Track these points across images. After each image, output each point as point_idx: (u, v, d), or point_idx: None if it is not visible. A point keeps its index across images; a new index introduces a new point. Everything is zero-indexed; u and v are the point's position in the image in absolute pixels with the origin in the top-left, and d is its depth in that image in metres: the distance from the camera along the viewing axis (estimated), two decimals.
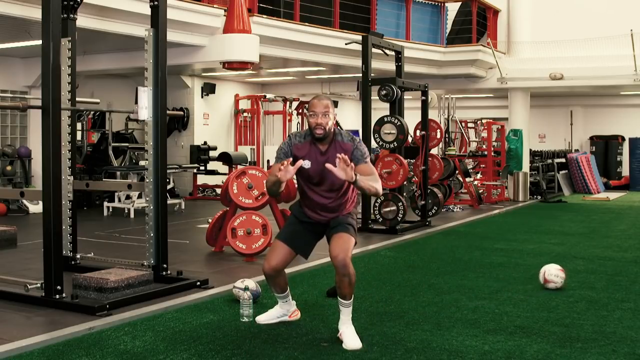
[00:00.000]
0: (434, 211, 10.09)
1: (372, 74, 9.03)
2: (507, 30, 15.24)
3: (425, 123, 9.94)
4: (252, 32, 10.27)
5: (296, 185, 4.15)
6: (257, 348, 3.82)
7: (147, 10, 5.40)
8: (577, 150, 18.32)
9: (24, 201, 10.50)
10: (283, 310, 4.37)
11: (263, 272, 4.10)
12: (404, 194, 9.99)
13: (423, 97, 9.95)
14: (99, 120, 13.30)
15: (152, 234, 5.32)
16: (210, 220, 7.33)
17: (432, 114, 11.72)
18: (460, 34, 14.72)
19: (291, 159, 3.82)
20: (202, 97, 14.21)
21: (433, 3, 14.07)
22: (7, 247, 5.33)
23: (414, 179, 10.53)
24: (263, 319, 4.33)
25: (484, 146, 13.93)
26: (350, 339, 3.90)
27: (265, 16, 10.79)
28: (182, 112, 13.77)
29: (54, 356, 3.66)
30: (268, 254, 4.10)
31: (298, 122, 15.30)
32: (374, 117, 9.01)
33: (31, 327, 4.23)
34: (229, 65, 10.61)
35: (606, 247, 7.72)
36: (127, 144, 12.78)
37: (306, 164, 3.94)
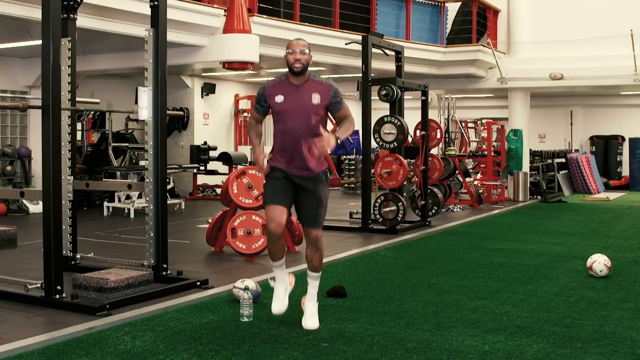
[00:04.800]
0: (434, 211, 10.09)
1: (372, 74, 9.03)
2: (507, 30, 15.25)
3: (425, 123, 9.94)
4: (252, 32, 10.27)
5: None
6: (257, 348, 3.82)
7: (147, 10, 5.40)
8: (577, 150, 18.32)
9: (24, 201, 10.50)
10: (284, 285, 4.31)
11: (270, 233, 4.11)
12: (404, 194, 9.99)
13: (423, 97, 9.95)
14: (99, 120, 13.30)
15: (152, 234, 5.32)
16: (210, 220, 7.33)
17: (432, 114, 11.71)
18: (460, 34, 14.73)
19: (268, 166, 4.21)
20: (202, 97, 14.22)
21: (433, 3, 14.07)
22: (7, 247, 5.33)
23: (414, 179, 10.53)
24: (278, 308, 4.24)
25: (484, 146, 13.92)
26: (310, 317, 4.23)
27: (265, 16, 10.80)
28: (182, 112, 13.77)
29: (54, 356, 3.66)
30: (268, 217, 4.16)
31: None
32: (374, 117, 9.01)
33: (31, 327, 4.23)
34: (229, 65, 10.62)
35: (606, 247, 7.71)
36: (127, 144, 12.78)
37: (279, 98, 4.19)
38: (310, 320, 4.24)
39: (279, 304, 4.26)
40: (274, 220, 4.10)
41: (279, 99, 4.19)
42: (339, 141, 4.12)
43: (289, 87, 4.21)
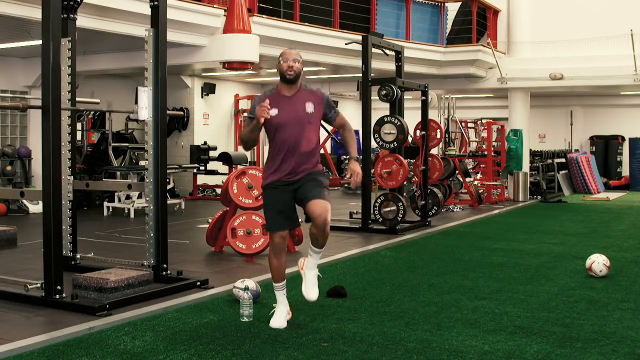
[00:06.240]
0: (434, 211, 10.09)
1: (372, 74, 9.03)
2: (507, 30, 15.25)
3: (425, 123, 9.94)
4: (252, 32, 10.27)
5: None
6: (257, 348, 3.82)
7: (147, 10, 5.40)
8: (577, 150, 18.32)
9: (24, 201, 10.50)
10: (286, 308, 4.33)
11: (273, 244, 4.24)
12: (404, 194, 9.99)
13: (423, 97, 9.95)
14: (99, 120, 13.30)
15: (152, 234, 5.32)
16: (210, 220, 7.33)
17: (432, 114, 11.71)
18: (460, 34, 14.72)
19: (268, 102, 4.11)
20: (202, 97, 14.22)
21: (433, 3, 14.07)
22: (7, 247, 5.32)
23: (414, 179, 10.53)
24: (277, 324, 4.25)
25: (484, 146, 13.93)
26: (310, 286, 4.27)
27: (265, 16, 10.79)
28: (182, 112, 13.77)
29: (54, 356, 3.66)
30: (271, 236, 4.28)
31: None
32: (374, 117, 9.01)
33: (31, 327, 4.23)
34: (229, 65, 10.61)
35: (606, 247, 7.71)
36: (127, 144, 12.78)
37: (273, 111, 4.19)
38: (311, 288, 4.27)
39: (279, 322, 4.26)
40: (279, 235, 4.23)
41: (273, 112, 4.19)
42: (359, 160, 4.35)
43: (282, 99, 4.25)
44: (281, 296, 4.34)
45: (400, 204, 8.82)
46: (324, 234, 4.17)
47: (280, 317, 4.28)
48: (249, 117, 4.31)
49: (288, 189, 4.22)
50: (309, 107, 4.23)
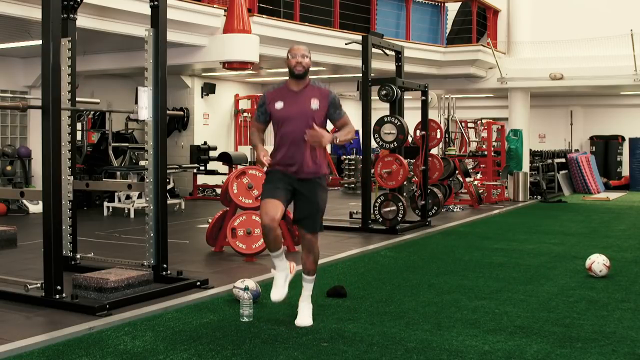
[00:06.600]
0: (434, 211, 10.09)
1: (372, 74, 9.03)
2: (507, 30, 15.26)
3: (425, 123, 9.94)
4: (252, 32, 10.27)
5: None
6: (257, 348, 3.82)
7: (147, 10, 5.40)
8: (577, 150, 18.32)
9: (24, 201, 10.50)
10: (284, 273, 4.32)
11: (263, 226, 4.11)
12: (404, 194, 9.99)
13: (423, 97, 9.95)
14: (99, 120, 13.30)
15: (152, 234, 5.32)
16: (210, 220, 7.33)
17: (432, 114, 11.71)
18: (460, 34, 14.73)
19: (270, 160, 4.22)
20: (202, 97, 14.22)
21: (433, 3, 14.08)
22: (7, 247, 5.32)
23: (414, 179, 10.53)
24: (278, 295, 4.27)
25: (484, 146, 13.93)
26: (304, 316, 4.29)
27: (265, 16, 10.80)
28: (182, 112, 13.77)
29: (54, 356, 3.66)
30: (262, 211, 4.13)
31: None
32: (374, 117, 9.01)
33: (31, 327, 4.23)
34: (229, 65, 10.62)
35: (606, 247, 7.71)
36: (127, 144, 12.79)
37: (279, 104, 4.25)
38: (305, 319, 4.29)
39: (279, 292, 4.29)
40: (267, 214, 4.09)
41: (279, 105, 4.25)
42: (336, 141, 4.20)
43: (289, 94, 4.29)
44: (278, 261, 4.30)
45: (400, 204, 8.82)
46: (310, 255, 4.31)
47: (278, 287, 4.29)
48: (256, 113, 4.40)
49: (290, 179, 4.24)
50: (314, 104, 4.24)
